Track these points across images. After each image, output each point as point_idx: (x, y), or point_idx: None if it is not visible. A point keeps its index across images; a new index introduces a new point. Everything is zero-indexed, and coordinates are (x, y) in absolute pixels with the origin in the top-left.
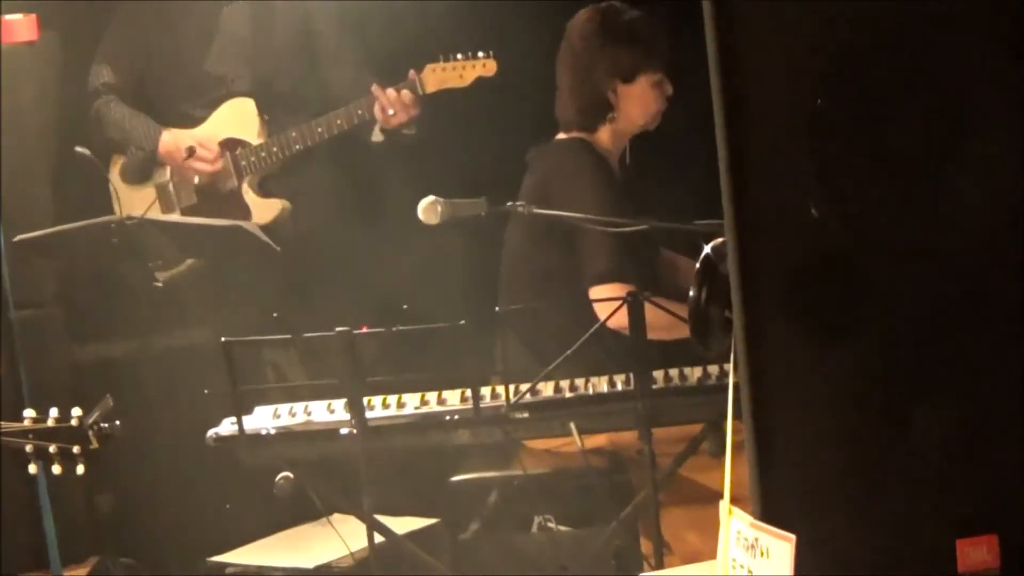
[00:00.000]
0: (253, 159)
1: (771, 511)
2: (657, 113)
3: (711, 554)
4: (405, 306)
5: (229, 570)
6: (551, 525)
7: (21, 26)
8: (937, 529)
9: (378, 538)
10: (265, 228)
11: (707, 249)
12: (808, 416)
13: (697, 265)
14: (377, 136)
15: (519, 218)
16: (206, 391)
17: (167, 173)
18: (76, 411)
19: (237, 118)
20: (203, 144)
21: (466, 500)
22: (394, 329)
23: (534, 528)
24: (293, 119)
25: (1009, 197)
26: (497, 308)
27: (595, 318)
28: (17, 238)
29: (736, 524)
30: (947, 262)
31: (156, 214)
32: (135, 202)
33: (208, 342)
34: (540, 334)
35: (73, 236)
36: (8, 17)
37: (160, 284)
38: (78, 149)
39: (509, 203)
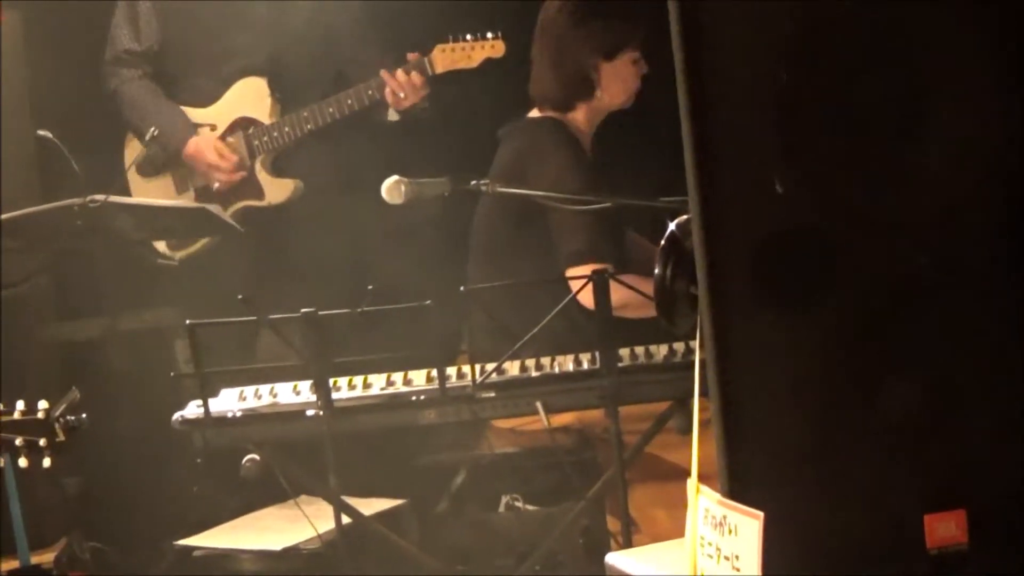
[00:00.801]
0: (265, 138)
1: (739, 488)
2: (634, 92)
3: (679, 532)
4: (371, 286)
5: (196, 553)
6: (519, 504)
7: None
8: (905, 504)
9: (346, 519)
10: (278, 207)
11: (672, 226)
12: (775, 392)
13: (662, 242)
14: (392, 116)
15: (488, 197)
16: (172, 373)
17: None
18: (43, 404)
19: (250, 97)
20: (225, 155)
21: (433, 480)
22: (359, 310)
23: (502, 507)
24: (305, 98)
25: (975, 167)
26: (463, 287)
27: (562, 296)
28: None
29: (704, 502)
30: (914, 234)
31: (151, 197)
32: (150, 188)
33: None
34: (507, 313)
35: (38, 219)
36: None
37: (175, 263)
38: (40, 132)
39: (474, 182)
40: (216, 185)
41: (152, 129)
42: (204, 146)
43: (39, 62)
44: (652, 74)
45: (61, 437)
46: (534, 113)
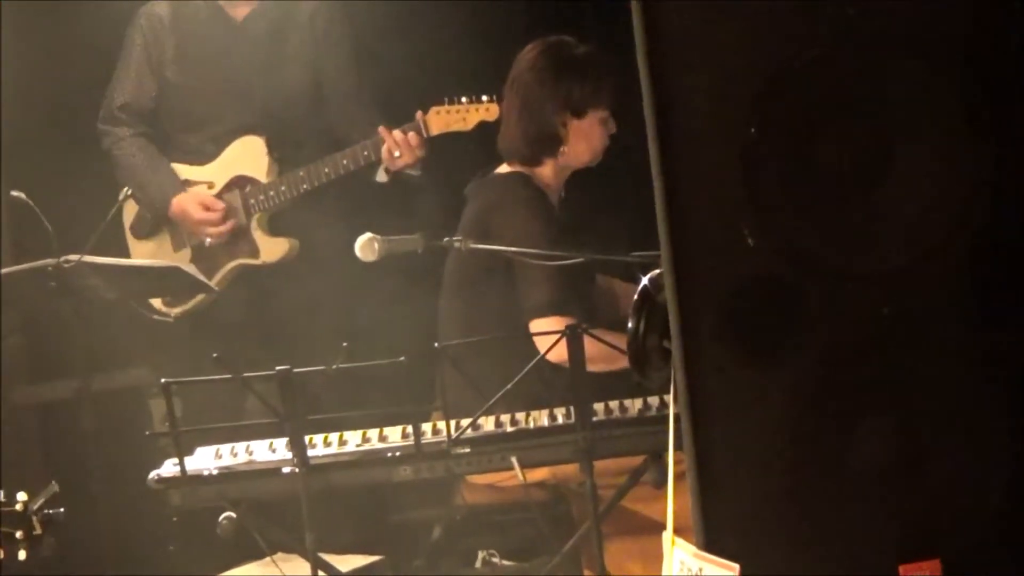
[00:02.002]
0: (262, 197)
1: (714, 541)
2: (601, 150)
3: None
4: (345, 343)
5: None
6: (495, 560)
7: None
8: (880, 554)
9: None
10: (273, 266)
11: (644, 280)
12: (748, 444)
13: (635, 297)
14: (381, 176)
15: (457, 253)
16: (147, 432)
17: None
18: (21, 495)
19: (247, 156)
20: (210, 207)
21: (409, 536)
22: (334, 367)
23: (478, 563)
24: (301, 158)
25: (942, 216)
26: (436, 344)
27: (535, 352)
28: None
29: (679, 554)
30: (881, 283)
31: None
32: (146, 248)
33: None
34: (480, 369)
35: (10, 280)
36: None
37: (171, 319)
38: (13, 193)
39: (446, 238)
40: (208, 241)
41: (125, 190)
42: (188, 204)
43: (13, 121)
44: (622, 132)
45: (38, 530)
46: (503, 168)
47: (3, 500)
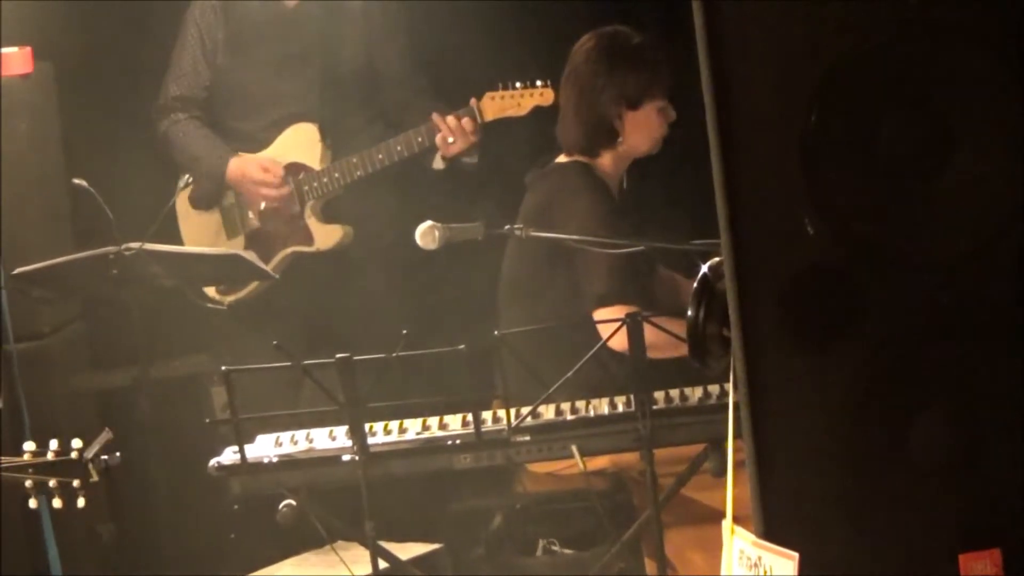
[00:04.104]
0: (315, 184)
1: (773, 529)
2: (660, 139)
3: (715, 573)
4: (404, 331)
5: None
6: (555, 548)
7: (16, 59)
8: (940, 543)
9: (382, 564)
10: (327, 253)
11: (704, 268)
12: (807, 433)
13: (695, 284)
14: (438, 163)
15: (517, 240)
16: (207, 420)
17: (232, 196)
18: (76, 443)
19: (301, 143)
20: (269, 169)
21: (469, 524)
22: (394, 355)
23: (538, 551)
24: (355, 145)
25: (998, 205)
26: (496, 332)
27: (595, 339)
28: (16, 271)
29: (739, 543)
30: (939, 272)
31: (221, 243)
32: (200, 226)
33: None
34: (540, 357)
35: (72, 268)
36: (3, 51)
37: (224, 307)
38: (75, 181)
39: (507, 226)
40: (264, 205)
41: (184, 178)
42: (246, 165)
43: (73, 110)
44: (681, 119)
45: (95, 477)
46: (562, 158)
47: (59, 449)
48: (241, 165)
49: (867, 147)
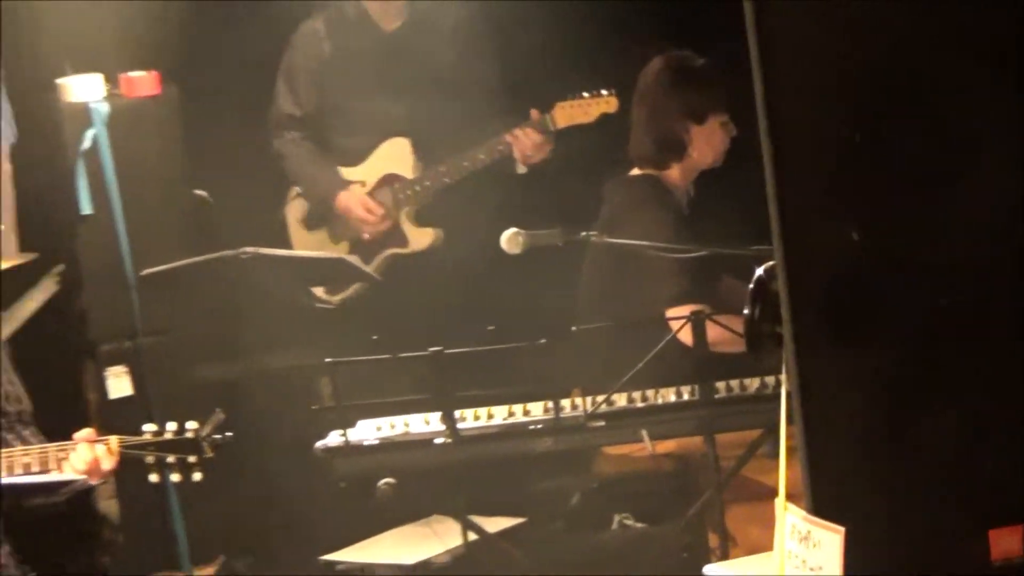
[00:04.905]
0: (409, 192)
1: (821, 506)
2: (723, 152)
3: (772, 546)
4: (491, 327)
5: (339, 567)
6: (628, 523)
7: (145, 82)
8: (971, 519)
9: (472, 536)
10: (421, 254)
11: (759, 271)
12: (851, 420)
13: (750, 286)
14: (520, 168)
15: (594, 246)
16: (314, 407)
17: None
18: (191, 424)
19: (395, 155)
20: (372, 210)
21: (551, 502)
22: (482, 348)
23: (614, 526)
24: (443, 155)
25: (1011, 214)
26: (573, 327)
27: (664, 335)
28: (144, 272)
29: (791, 518)
30: (963, 274)
31: (334, 249)
32: (311, 238)
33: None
34: (614, 350)
35: (194, 270)
36: (132, 74)
37: (332, 305)
38: (197, 192)
39: (584, 232)
40: (365, 236)
41: (294, 189)
42: (352, 202)
43: (195, 128)
44: (741, 134)
45: (209, 454)
46: (634, 171)
47: (176, 429)
48: (348, 200)
49: (902, 161)
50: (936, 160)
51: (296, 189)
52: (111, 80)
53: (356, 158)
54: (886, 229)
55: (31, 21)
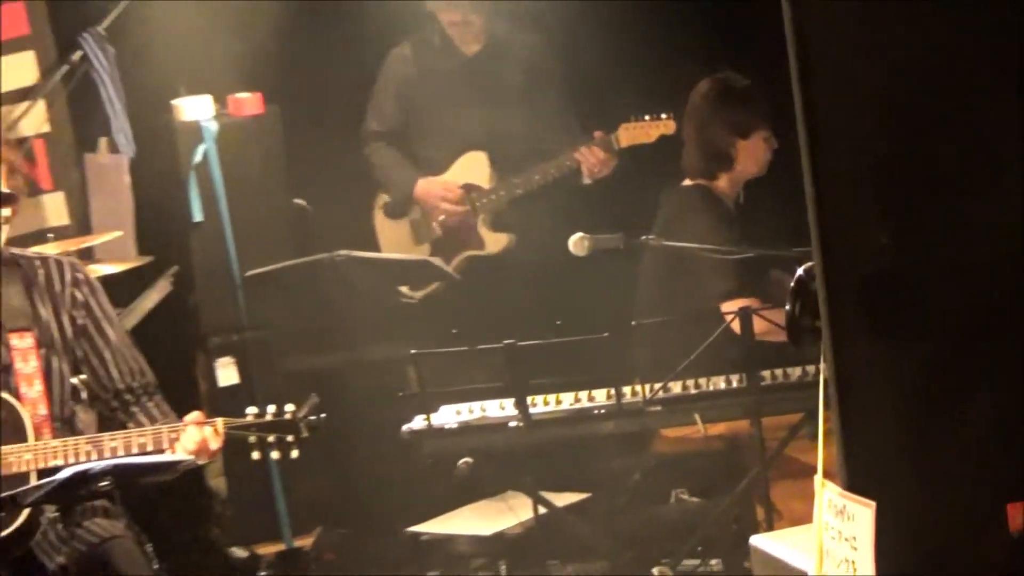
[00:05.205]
0: (485, 200)
1: (855, 483)
2: (766, 163)
3: (812, 519)
4: (559, 321)
5: (423, 537)
6: (684, 497)
7: (249, 103)
8: (991, 495)
9: (542, 510)
10: (496, 256)
11: (800, 271)
12: (882, 405)
13: (792, 284)
14: (586, 180)
15: (652, 249)
16: (400, 393)
17: (419, 212)
18: (289, 407)
19: (473, 167)
20: (450, 189)
21: (614, 478)
22: (550, 341)
23: (671, 500)
24: (516, 167)
25: None
26: (633, 322)
27: (714, 328)
28: (248, 273)
29: (828, 494)
30: (987, 273)
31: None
32: (394, 236)
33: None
34: (669, 342)
35: (293, 270)
36: (239, 95)
37: (416, 301)
38: (296, 200)
39: (642, 237)
40: (442, 218)
41: (380, 197)
42: (430, 185)
43: (294, 143)
44: (782, 147)
45: (305, 434)
46: (687, 182)
47: (276, 412)
48: (426, 185)
49: (927, 166)
50: (963, 166)
51: (384, 196)
52: (220, 101)
53: (438, 169)
54: (915, 232)
55: (149, 48)
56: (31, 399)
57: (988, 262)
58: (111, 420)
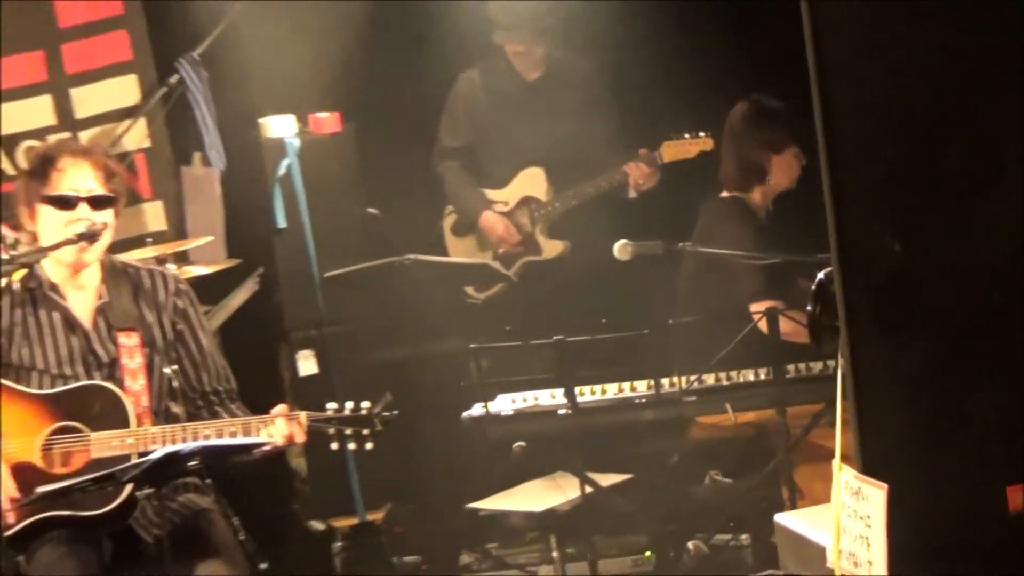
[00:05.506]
0: (542, 211)
1: (869, 466)
2: (795, 178)
3: (830, 499)
4: (604, 320)
5: (481, 513)
6: (718, 478)
7: (328, 121)
8: (992, 477)
9: (588, 489)
10: (551, 261)
11: (820, 275)
12: (893, 396)
13: (813, 287)
14: (632, 194)
15: (689, 255)
16: (462, 383)
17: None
18: (365, 404)
19: (532, 181)
20: (509, 229)
21: (654, 461)
22: (596, 337)
23: (706, 480)
24: (571, 180)
25: None
26: (670, 320)
27: (744, 326)
28: (327, 274)
29: (845, 476)
30: (992, 275)
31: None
32: (461, 244)
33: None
34: (704, 339)
35: (367, 272)
36: (319, 115)
37: (479, 301)
38: (369, 210)
39: (681, 243)
40: (501, 251)
41: (448, 207)
42: (494, 221)
43: (369, 158)
44: (810, 163)
45: (379, 428)
46: (724, 194)
47: (353, 407)
48: (490, 220)
49: (932, 175)
50: (968, 173)
51: (449, 208)
52: (302, 120)
53: (500, 182)
54: (923, 239)
55: (238, 71)
56: (134, 391)
57: (990, 265)
58: (195, 418)
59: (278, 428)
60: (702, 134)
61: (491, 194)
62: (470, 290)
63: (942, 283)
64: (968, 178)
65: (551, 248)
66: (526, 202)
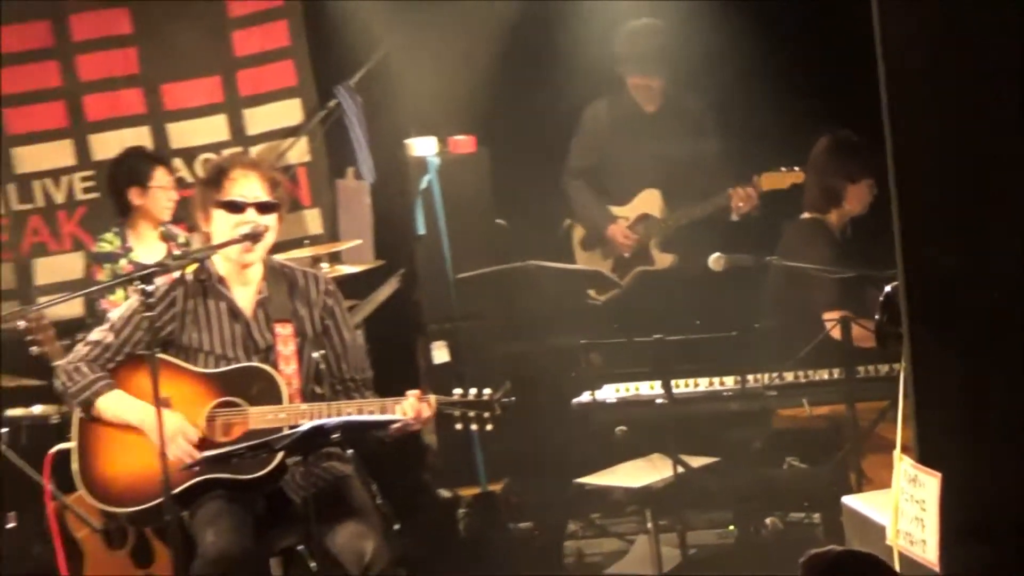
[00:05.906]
0: (656, 227)
1: (926, 456)
2: (868, 204)
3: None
4: (698, 321)
5: (587, 487)
6: (795, 463)
7: (464, 143)
8: None
9: (680, 469)
10: (662, 271)
11: (887, 288)
12: (948, 395)
13: (881, 299)
14: (734, 216)
15: (775, 267)
16: (572, 374)
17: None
18: (487, 391)
19: (649, 201)
20: (628, 237)
21: (739, 446)
22: (691, 336)
23: (784, 465)
24: (683, 201)
25: None
26: (757, 324)
27: (820, 331)
28: (460, 275)
29: (904, 465)
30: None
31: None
32: (585, 255)
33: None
34: (785, 341)
35: (495, 275)
36: (457, 137)
37: (600, 303)
38: (498, 221)
39: (768, 257)
40: (625, 255)
41: (567, 221)
42: (616, 232)
43: (500, 175)
44: (882, 192)
45: (499, 412)
46: (805, 215)
47: (476, 393)
48: (614, 230)
49: (989, 200)
50: (1018, 197)
51: (581, 230)
52: (442, 141)
53: (622, 200)
54: (977, 258)
55: (388, 97)
56: (287, 375)
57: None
58: (336, 399)
59: (411, 405)
60: (796, 168)
61: (614, 210)
62: (592, 292)
63: (992, 296)
64: (1016, 201)
65: (662, 260)
66: (643, 219)
